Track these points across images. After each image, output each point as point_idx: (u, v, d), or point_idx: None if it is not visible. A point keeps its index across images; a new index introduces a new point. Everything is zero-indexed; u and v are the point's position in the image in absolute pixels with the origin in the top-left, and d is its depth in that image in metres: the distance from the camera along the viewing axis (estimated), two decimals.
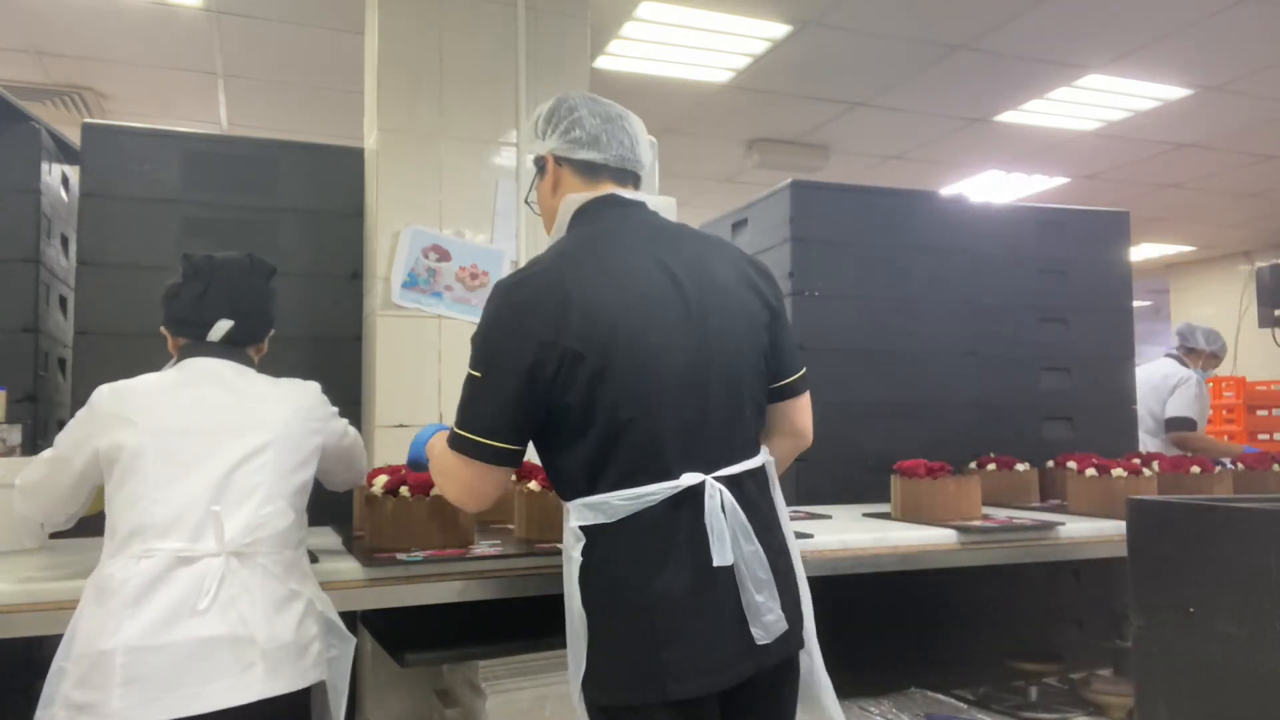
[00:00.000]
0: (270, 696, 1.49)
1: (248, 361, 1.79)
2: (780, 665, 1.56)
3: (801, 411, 1.76)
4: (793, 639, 1.57)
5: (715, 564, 1.45)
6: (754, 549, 1.50)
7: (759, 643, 1.47)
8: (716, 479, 1.49)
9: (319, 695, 1.65)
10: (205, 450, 1.59)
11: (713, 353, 1.53)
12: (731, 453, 1.54)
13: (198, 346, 1.75)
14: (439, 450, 1.62)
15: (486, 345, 1.51)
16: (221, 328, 1.74)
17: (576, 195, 1.64)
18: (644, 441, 1.47)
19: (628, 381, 1.46)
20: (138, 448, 1.57)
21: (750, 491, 1.54)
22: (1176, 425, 4.73)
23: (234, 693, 1.46)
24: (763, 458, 1.60)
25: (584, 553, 1.48)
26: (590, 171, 1.65)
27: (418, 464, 1.93)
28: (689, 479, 1.47)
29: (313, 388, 1.82)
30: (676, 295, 1.53)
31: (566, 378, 1.46)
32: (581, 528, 1.48)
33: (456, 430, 1.54)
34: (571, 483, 1.52)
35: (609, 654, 1.46)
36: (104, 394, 1.65)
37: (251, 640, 1.49)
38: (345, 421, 1.89)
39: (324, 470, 1.83)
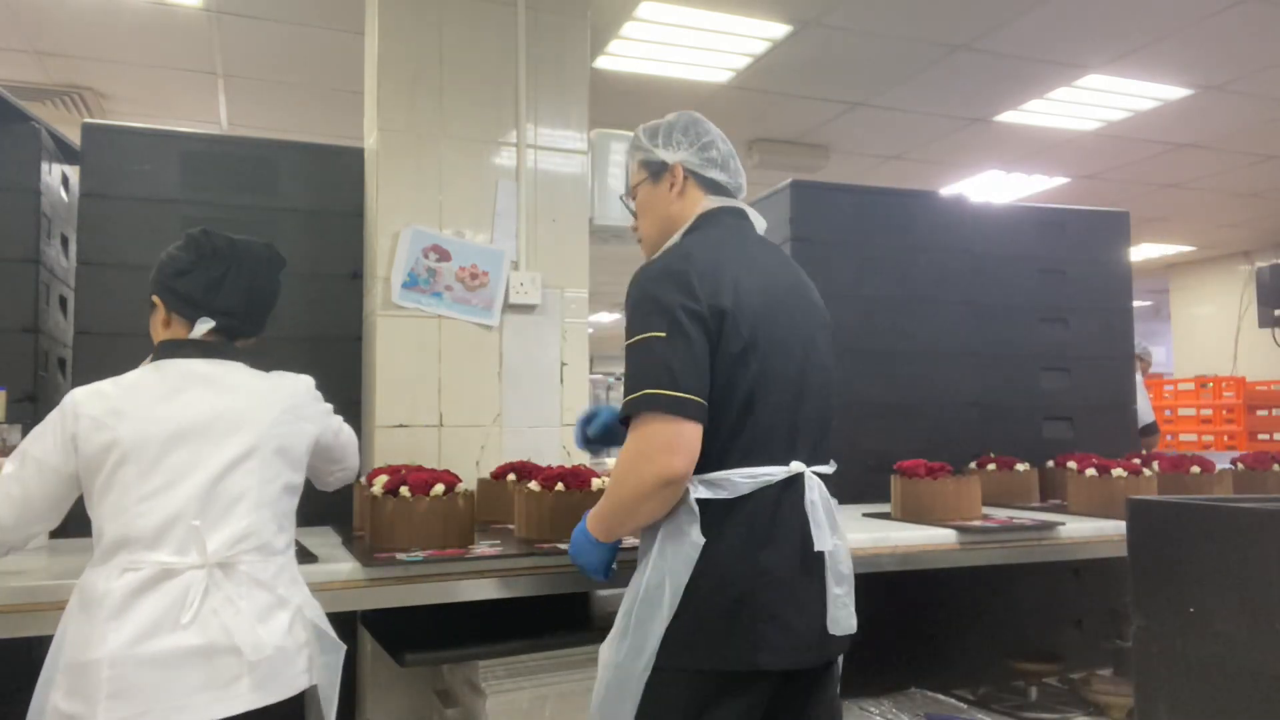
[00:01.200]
0: (258, 708, 1.47)
1: (233, 355, 1.71)
2: (833, 662, 1.68)
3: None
4: (849, 639, 1.66)
5: (816, 548, 1.56)
6: (840, 543, 1.63)
7: (831, 631, 1.58)
8: (814, 473, 1.62)
9: (313, 701, 1.63)
10: (191, 458, 1.55)
11: (813, 358, 1.67)
12: (823, 452, 1.68)
13: (178, 346, 1.66)
14: (628, 442, 1.55)
15: (665, 307, 1.54)
16: (203, 327, 1.66)
17: (708, 202, 1.79)
18: (767, 424, 1.57)
19: (767, 363, 1.58)
20: (121, 455, 1.52)
21: (829, 493, 1.65)
22: (1151, 430, 4.80)
23: (220, 705, 1.44)
24: (833, 466, 1.72)
25: (700, 520, 1.54)
26: (715, 190, 1.81)
27: (578, 551, 1.76)
28: (797, 466, 1.59)
29: (304, 383, 1.76)
30: (794, 301, 1.70)
31: (722, 343, 1.55)
32: (698, 500, 1.54)
33: (645, 392, 1.50)
34: (702, 458, 1.55)
35: (701, 621, 1.52)
36: (78, 397, 1.56)
37: (236, 651, 1.47)
38: (339, 418, 1.84)
39: (315, 468, 1.79)
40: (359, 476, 2.10)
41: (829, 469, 1.68)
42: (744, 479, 1.54)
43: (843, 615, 1.60)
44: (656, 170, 1.82)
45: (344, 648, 1.68)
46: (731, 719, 1.52)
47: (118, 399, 1.57)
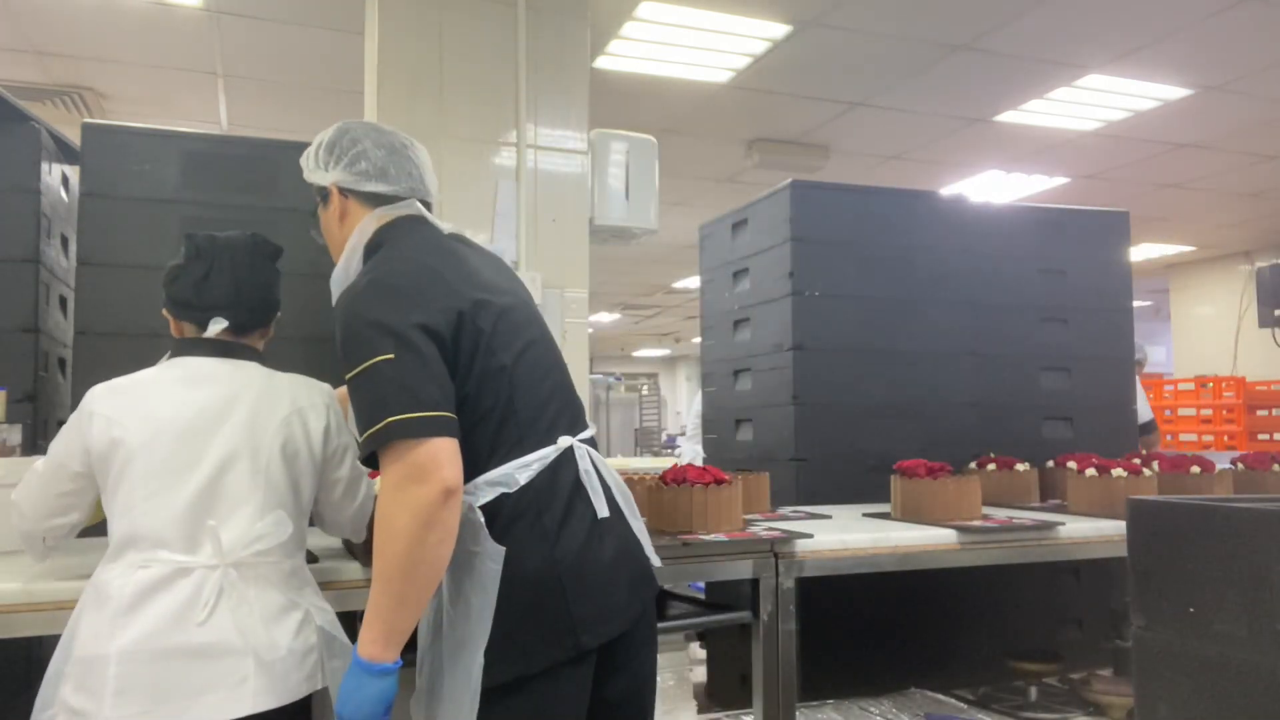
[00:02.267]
0: (263, 710, 1.47)
1: (248, 353, 1.71)
2: (648, 609, 1.67)
3: None
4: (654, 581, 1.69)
5: (600, 515, 1.57)
6: (627, 494, 1.67)
7: (656, 566, 1.64)
8: (581, 442, 1.62)
9: (322, 705, 1.63)
10: (197, 455, 1.55)
11: (545, 332, 1.69)
12: (582, 420, 1.70)
13: (192, 344, 1.68)
14: (380, 486, 1.43)
15: (385, 326, 1.42)
16: (216, 326, 1.67)
17: (379, 218, 1.66)
18: (528, 410, 1.56)
19: (514, 351, 1.56)
20: (130, 451, 1.53)
21: (598, 454, 1.67)
22: (1150, 429, 4.83)
23: (228, 705, 1.44)
24: (592, 429, 1.74)
25: (488, 529, 1.49)
26: (379, 203, 1.68)
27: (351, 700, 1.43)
28: (565, 440, 1.59)
29: (319, 389, 1.73)
30: (506, 280, 1.68)
31: (461, 344, 1.50)
32: (484, 506, 1.50)
33: (408, 416, 1.37)
34: (473, 463, 1.49)
35: (516, 624, 1.47)
36: (96, 394, 1.59)
37: (245, 653, 1.47)
38: (348, 445, 1.74)
39: (318, 496, 1.71)
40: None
41: (591, 431, 1.69)
42: (521, 469, 1.51)
43: (652, 552, 1.66)
44: (324, 196, 1.72)
45: (354, 649, 1.68)
46: (570, 701, 1.50)
47: (130, 395, 1.59)
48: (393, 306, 1.44)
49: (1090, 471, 2.76)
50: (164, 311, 1.75)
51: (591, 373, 3.10)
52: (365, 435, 1.39)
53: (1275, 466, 3.02)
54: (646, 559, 1.66)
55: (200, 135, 2.91)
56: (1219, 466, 2.91)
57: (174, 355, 1.69)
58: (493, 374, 1.52)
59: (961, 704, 2.84)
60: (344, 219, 1.70)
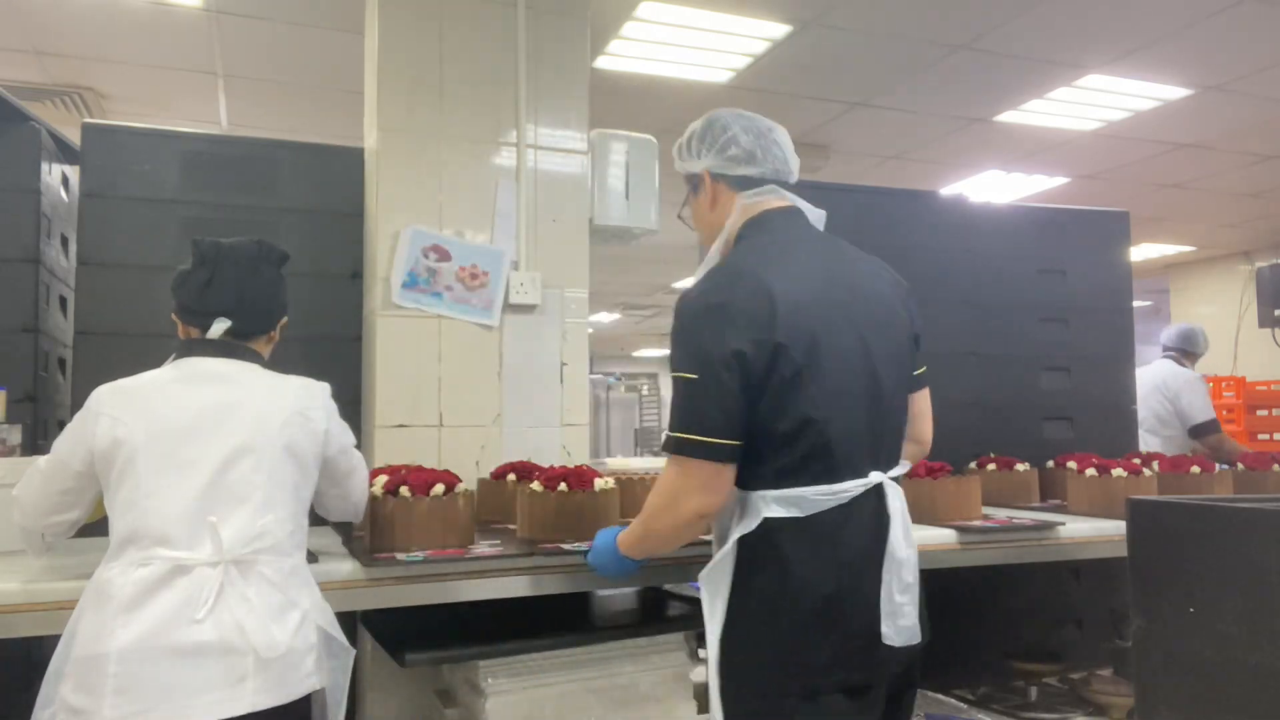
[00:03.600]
0: (263, 709, 1.47)
1: (252, 356, 1.74)
2: (907, 670, 1.65)
3: (925, 418, 1.91)
4: (919, 649, 1.65)
5: (899, 557, 1.57)
6: (911, 552, 1.62)
7: (886, 642, 1.55)
8: (892, 479, 1.62)
9: (319, 704, 1.63)
10: (199, 453, 1.56)
11: (882, 361, 1.64)
12: (895, 457, 1.68)
13: (197, 345, 1.71)
14: (667, 475, 1.61)
15: (699, 348, 1.55)
16: (219, 327, 1.70)
17: (746, 207, 1.75)
18: (838, 439, 1.55)
19: (827, 381, 1.55)
20: (133, 450, 1.54)
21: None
22: (1211, 429, 4.75)
23: (226, 704, 1.44)
24: (905, 466, 1.72)
25: (760, 544, 1.55)
26: (748, 185, 1.76)
27: (603, 563, 1.86)
28: (876, 476, 1.58)
29: (319, 388, 1.77)
30: (855, 304, 1.65)
31: (776, 371, 1.53)
32: (769, 518, 1.54)
33: (684, 436, 1.55)
34: (760, 477, 1.56)
35: (781, 638, 1.53)
36: (101, 394, 1.62)
37: (245, 651, 1.47)
38: (352, 442, 1.84)
39: (318, 490, 1.77)
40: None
41: (902, 470, 1.69)
42: (818, 495, 1.54)
43: (905, 625, 1.58)
44: (696, 182, 1.82)
45: (353, 652, 1.69)
46: None
47: (134, 395, 1.61)
48: (713, 332, 1.54)
49: (1090, 471, 2.76)
50: (172, 315, 1.77)
51: (591, 373, 3.09)
52: (668, 434, 1.59)
53: (1275, 466, 3.02)
54: (907, 621, 1.60)
55: (200, 135, 2.91)
56: (1219, 466, 2.91)
57: (178, 356, 1.71)
58: (802, 402, 1.54)
59: (961, 704, 2.84)
60: (715, 204, 1.78)
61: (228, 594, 1.49)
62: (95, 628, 1.46)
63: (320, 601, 1.66)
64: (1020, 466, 3.03)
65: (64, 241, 2.93)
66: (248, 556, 1.53)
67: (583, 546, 1.96)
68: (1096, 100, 5.37)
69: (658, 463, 7.35)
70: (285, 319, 1.86)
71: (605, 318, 14.98)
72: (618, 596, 2.51)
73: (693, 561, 2.15)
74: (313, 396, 1.74)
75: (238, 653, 1.47)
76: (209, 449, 1.57)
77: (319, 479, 1.74)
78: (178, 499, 1.52)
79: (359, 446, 2.71)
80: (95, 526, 1.70)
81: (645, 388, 17.82)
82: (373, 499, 2.04)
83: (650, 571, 1.99)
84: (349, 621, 2.35)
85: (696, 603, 2.49)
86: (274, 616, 1.52)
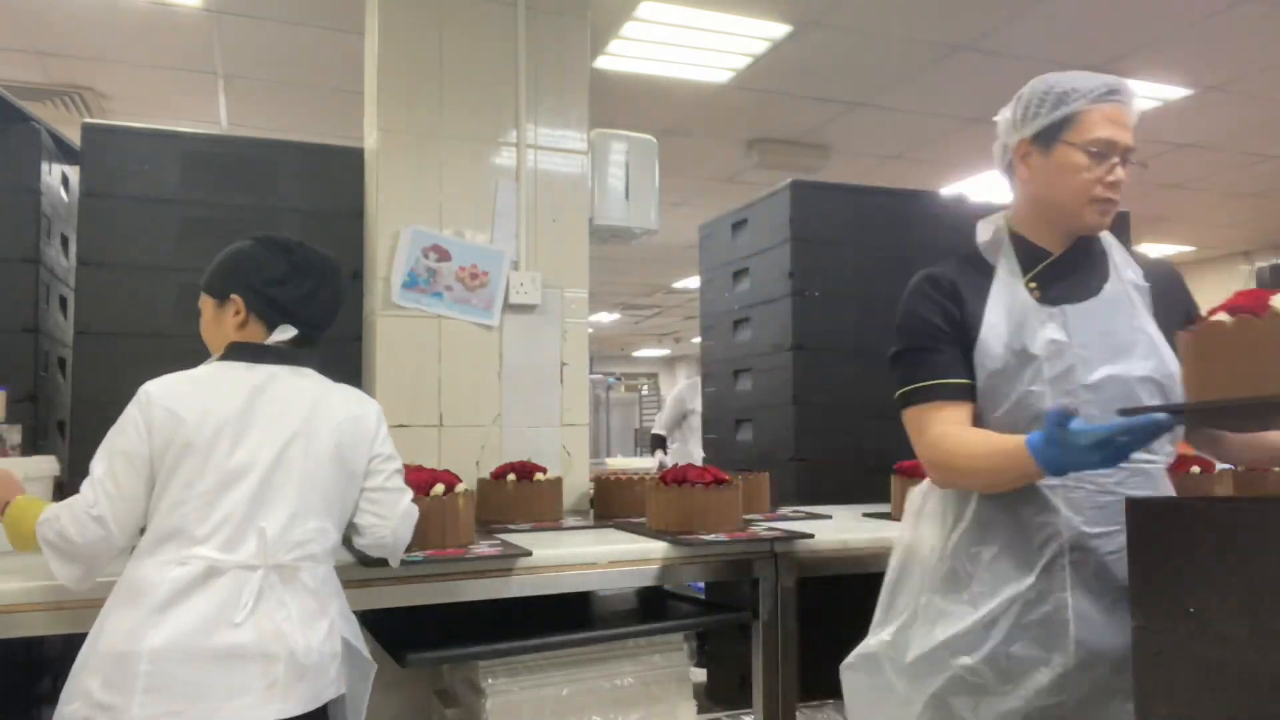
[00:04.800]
0: (292, 716, 1.47)
1: (305, 362, 1.71)
2: None
3: None
4: None
5: None
6: None
7: None
8: None
9: (338, 713, 1.62)
10: (250, 455, 1.55)
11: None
12: None
13: (255, 350, 1.66)
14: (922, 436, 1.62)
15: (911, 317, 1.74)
16: (285, 334, 1.68)
17: None
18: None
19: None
20: (185, 448, 1.52)
21: None
22: None
23: (254, 710, 1.43)
24: None
25: None
26: None
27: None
28: None
29: (373, 406, 1.75)
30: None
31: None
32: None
33: (913, 387, 1.65)
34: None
35: None
36: (155, 390, 1.56)
37: (279, 657, 1.47)
38: (399, 464, 1.78)
39: (357, 509, 1.71)
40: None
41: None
42: None
43: None
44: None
45: (374, 667, 1.67)
46: None
47: (190, 393, 1.57)
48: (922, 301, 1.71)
49: None
50: (235, 297, 1.67)
51: (591, 373, 3.10)
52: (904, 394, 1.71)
53: (1275, 467, 3.02)
54: None
55: (200, 135, 2.92)
56: (1219, 466, 2.91)
57: (230, 357, 1.66)
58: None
59: None
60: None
61: (266, 598, 1.49)
62: (128, 624, 1.44)
63: (347, 611, 1.65)
64: None
65: (64, 241, 2.93)
66: (290, 562, 1.53)
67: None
68: None
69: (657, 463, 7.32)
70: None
71: (605, 318, 14.99)
72: (618, 596, 2.51)
73: (693, 560, 2.15)
74: (364, 406, 1.74)
75: (272, 658, 1.46)
76: (260, 452, 1.56)
77: (357, 499, 1.70)
78: (226, 500, 1.51)
79: None
80: None
81: (645, 388, 17.84)
82: None
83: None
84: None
85: (697, 602, 2.49)
86: (308, 623, 1.52)
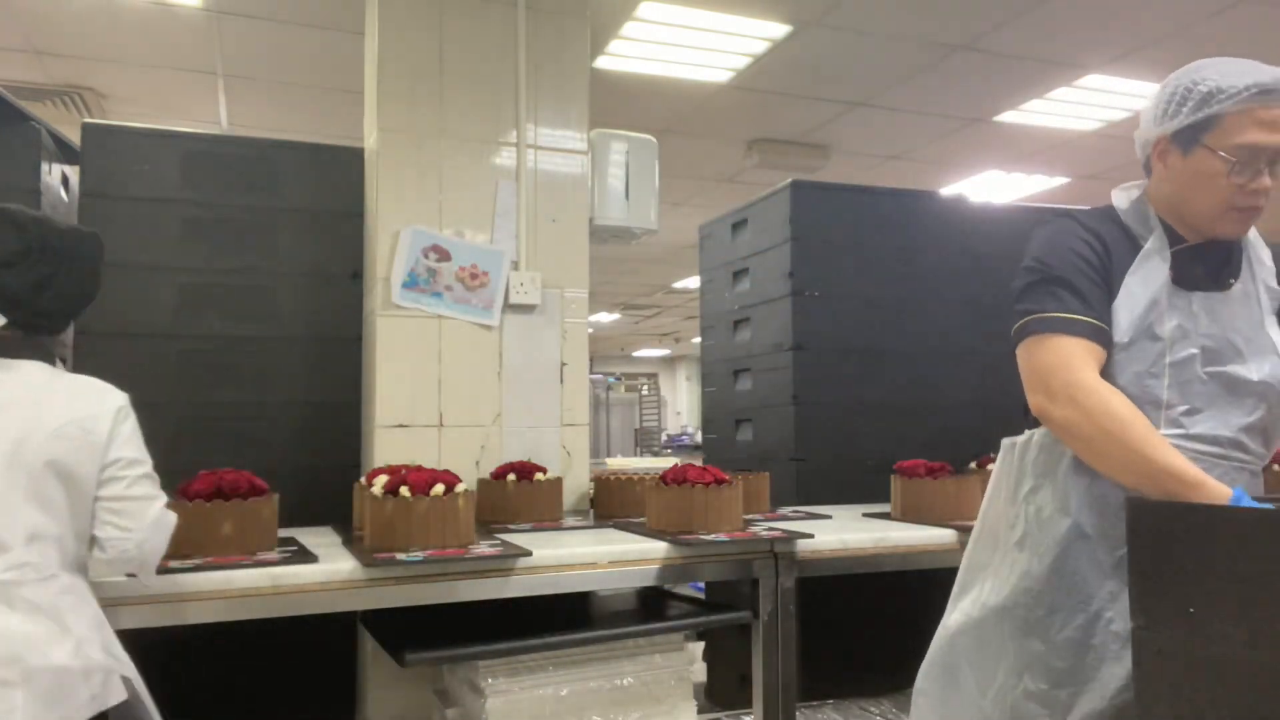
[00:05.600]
0: None
1: (32, 352, 1.53)
2: None
3: None
4: None
5: None
6: None
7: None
8: None
9: None
10: None
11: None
12: None
13: None
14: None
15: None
16: None
17: None
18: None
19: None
20: None
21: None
22: None
23: None
24: None
25: None
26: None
27: None
28: None
29: (110, 399, 1.54)
30: None
31: None
32: None
33: (1061, 316, 1.50)
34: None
35: None
36: None
37: (13, 683, 1.33)
38: (147, 466, 1.57)
39: (97, 520, 1.52)
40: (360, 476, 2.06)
41: None
42: None
43: None
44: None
45: (137, 678, 1.53)
46: None
47: None
48: None
49: None
50: None
51: (591, 373, 3.11)
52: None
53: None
54: None
55: (200, 135, 2.91)
56: None
57: None
58: None
59: None
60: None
61: None
62: None
63: (99, 623, 1.49)
64: None
65: None
66: (11, 579, 1.39)
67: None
68: (1096, 100, 5.37)
69: (657, 463, 7.35)
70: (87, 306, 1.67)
71: (605, 318, 14.99)
72: (618, 596, 2.51)
73: (693, 560, 2.15)
74: (98, 403, 1.52)
75: (8, 684, 1.33)
76: None
77: (99, 505, 1.52)
78: None
79: (359, 447, 2.72)
80: None
81: (645, 388, 17.84)
82: (373, 499, 2.04)
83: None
84: (349, 621, 2.36)
85: (697, 602, 2.49)
86: (50, 642, 1.39)
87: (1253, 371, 1.50)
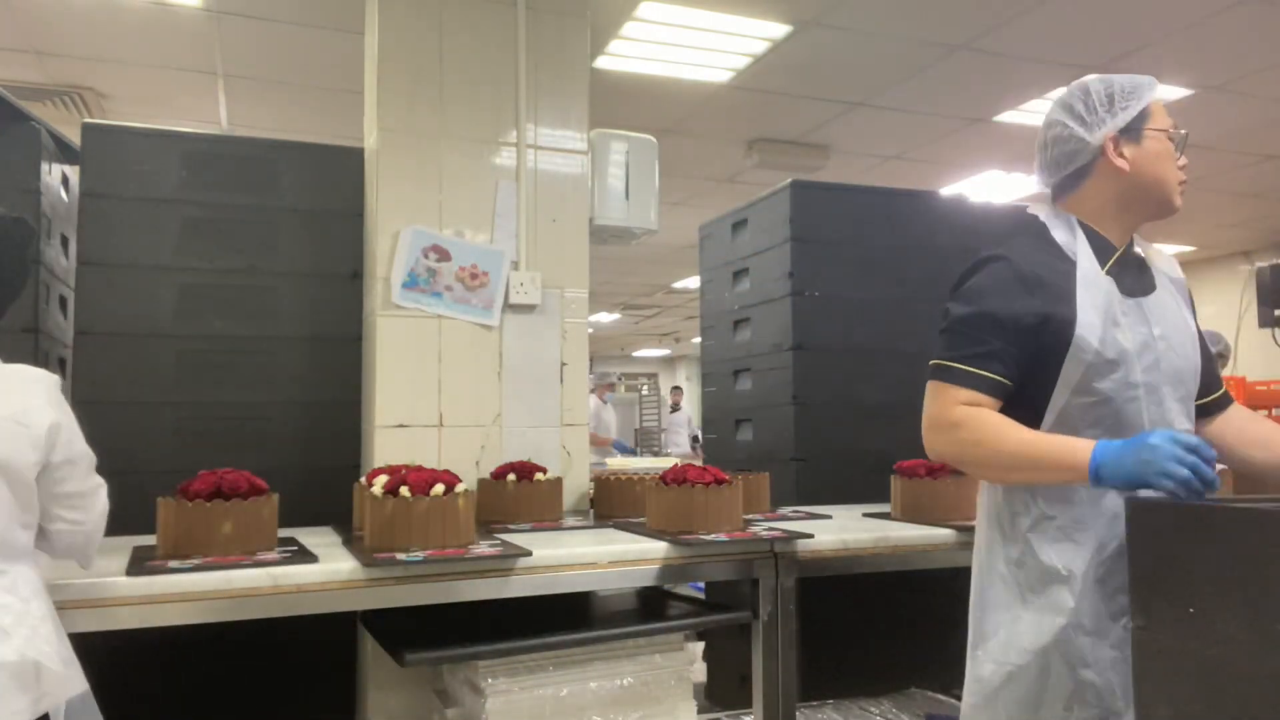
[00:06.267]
0: None
1: None
2: None
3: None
4: None
5: None
6: None
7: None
8: None
9: None
10: None
11: None
12: None
13: None
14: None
15: None
16: None
17: None
18: None
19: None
20: None
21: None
22: None
23: None
24: None
25: None
26: None
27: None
28: None
29: (43, 383, 1.48)
30: None
31: None
32: None
33: (959, 367, 1.60)
34: None
35: None
36: None
37: None
38: (84, 450, 1.52)
39: (42, 505, 1.47)
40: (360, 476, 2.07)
41: None
42: None
43: None
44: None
45: (83, 685, 1.46)
46: None
47: None
48: None
49: None
50: None
51: (591, 373, 3.12)
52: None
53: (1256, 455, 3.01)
54: None
55: (200, 135, 2.91)
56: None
57: None
58: None
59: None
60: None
61: None
62: None
63: (45, 616, 1.42)
64: None
65: (64, 241, 2.93)
66: None
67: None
68: None
69: (657, 463, 7.35)
70: (18, 296, 1.61)
71: (605, 318, 14.98)
72: (618, 596, 2.51)
73: (693, 560, 2.15)
74: (31, 394, 1.45)
75: None
76: None
77: (43, 495, 1.46)
78: None
79: (359, 447, 2.72)
80: None
81: (645, 388, 17.84)
82: (373, 499, 2.04)
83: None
84: (349, 621, 2.36)
85: (697, 602, 2.49)
86: None
87: (1193, 360, 1.64)
